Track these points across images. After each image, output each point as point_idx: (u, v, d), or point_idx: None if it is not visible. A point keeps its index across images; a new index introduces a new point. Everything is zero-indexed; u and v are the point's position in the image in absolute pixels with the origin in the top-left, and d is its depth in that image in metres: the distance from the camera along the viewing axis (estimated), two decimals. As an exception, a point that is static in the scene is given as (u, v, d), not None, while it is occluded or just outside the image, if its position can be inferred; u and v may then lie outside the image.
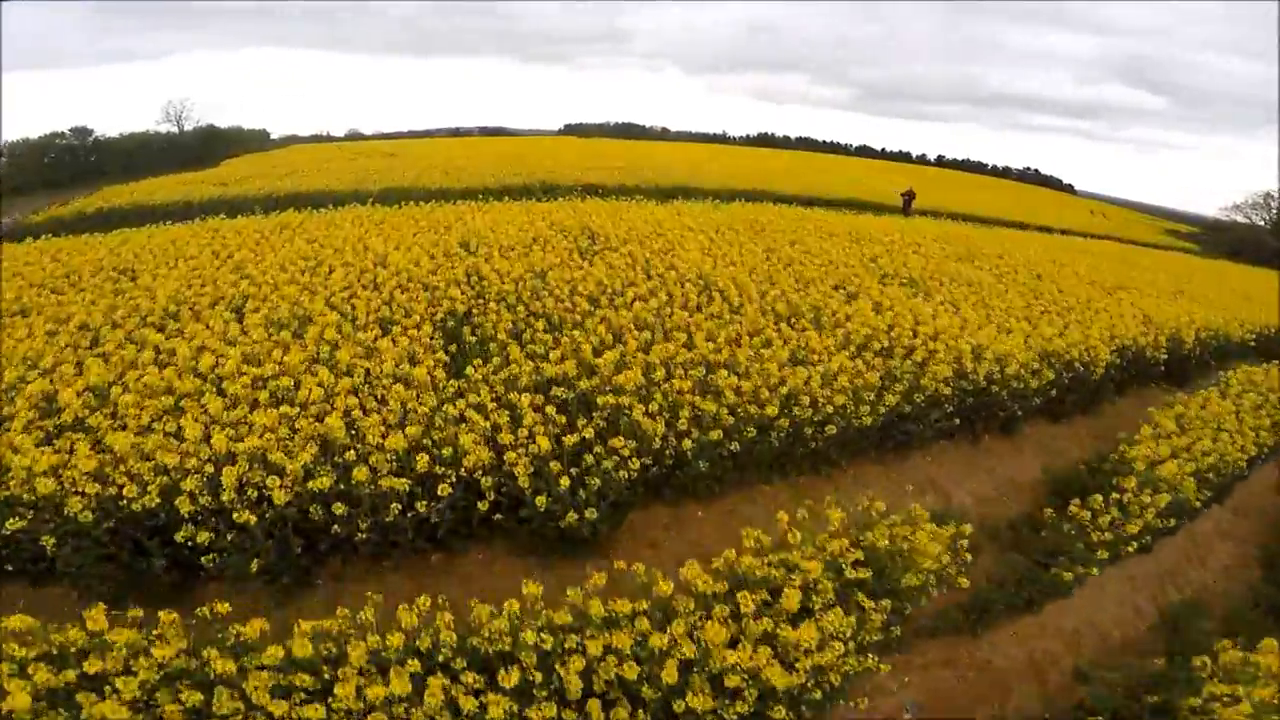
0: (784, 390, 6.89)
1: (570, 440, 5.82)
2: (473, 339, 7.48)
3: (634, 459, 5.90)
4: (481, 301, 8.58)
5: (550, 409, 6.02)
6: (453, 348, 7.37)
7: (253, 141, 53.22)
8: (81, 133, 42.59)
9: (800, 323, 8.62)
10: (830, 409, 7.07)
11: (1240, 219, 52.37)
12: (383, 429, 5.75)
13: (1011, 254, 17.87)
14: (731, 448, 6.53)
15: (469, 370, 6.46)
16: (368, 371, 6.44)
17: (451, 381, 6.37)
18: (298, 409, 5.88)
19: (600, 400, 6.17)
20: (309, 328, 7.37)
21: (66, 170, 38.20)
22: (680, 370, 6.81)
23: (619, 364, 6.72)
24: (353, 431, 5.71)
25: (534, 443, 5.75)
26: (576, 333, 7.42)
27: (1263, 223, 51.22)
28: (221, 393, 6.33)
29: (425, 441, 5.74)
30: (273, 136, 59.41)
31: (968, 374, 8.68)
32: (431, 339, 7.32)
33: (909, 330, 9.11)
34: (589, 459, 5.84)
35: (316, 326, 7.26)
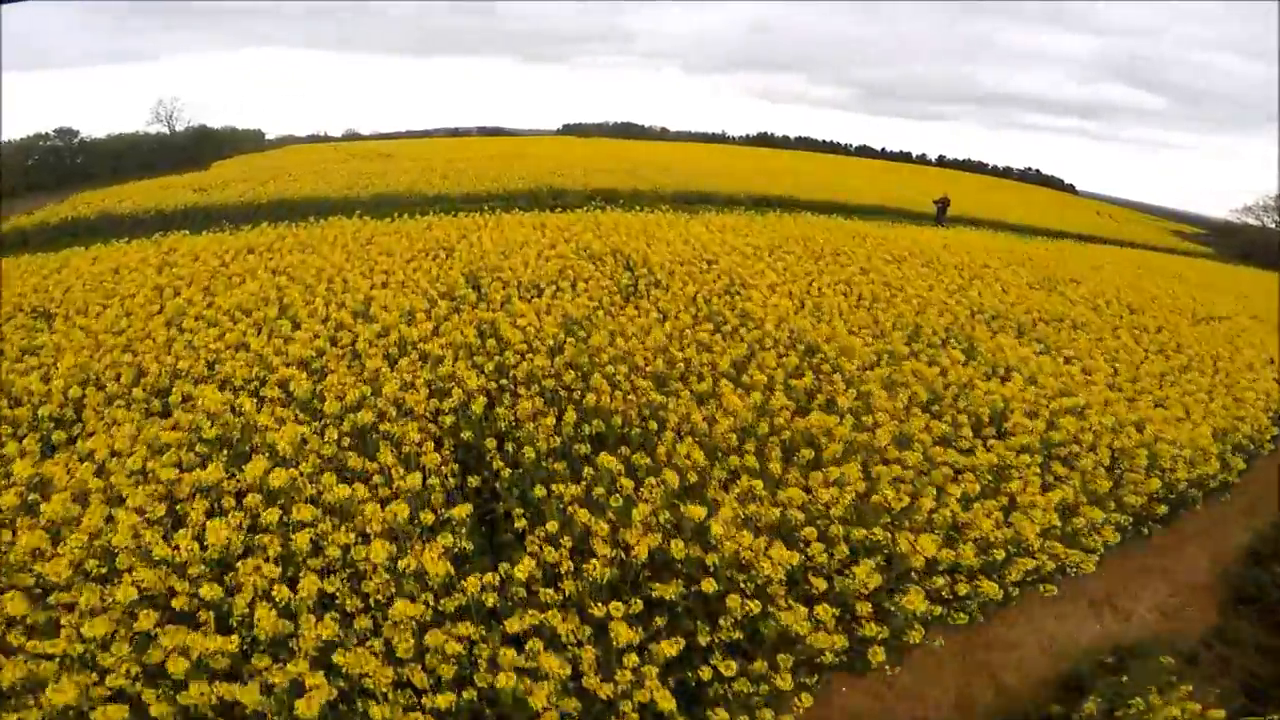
0: (998, 554, 4.34)
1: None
2: (506, 471, 4.82)
3: (803, 695, 3.39)
4: (508, 387, 5.95)
5: (664, 646, 3.41)
6: (474, 479, 4.75)
7: (247, 142, 49.85)
8: (66, 134, 39.47)
9: (948, 412, 6.04)
10: (1051, 565, 4.56)
11: (1251, 221, 50.09)
12: (386, 678, 3.18)
13: (1086, 277, 15.41)
14: (935, 644, 4.03)
15: (516, 571, 3.69)
16: (347, 552, 3.80)
17: (489, 576, 3.65)
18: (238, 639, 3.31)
19: (731, 602, 3.61)
20: (253, 441, 4.77)
21: (51, 173, 35.31)
22: (837, 526, 4.21)
23: (744, 518, 4.11)
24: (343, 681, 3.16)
25: (642, 687, 3.22)
26: (666, 471, 4.51)
27: (1274, 225, 48.99)
28: (103, 581, 3.77)
29: (463, 701, 3.19)
30: (270, 137, 56.33)
31: (1167, 477, 6.27)
32: (441, 470, 4.67)
33: (1072, 415, 6.60)
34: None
35: (263, 445, 4.63)
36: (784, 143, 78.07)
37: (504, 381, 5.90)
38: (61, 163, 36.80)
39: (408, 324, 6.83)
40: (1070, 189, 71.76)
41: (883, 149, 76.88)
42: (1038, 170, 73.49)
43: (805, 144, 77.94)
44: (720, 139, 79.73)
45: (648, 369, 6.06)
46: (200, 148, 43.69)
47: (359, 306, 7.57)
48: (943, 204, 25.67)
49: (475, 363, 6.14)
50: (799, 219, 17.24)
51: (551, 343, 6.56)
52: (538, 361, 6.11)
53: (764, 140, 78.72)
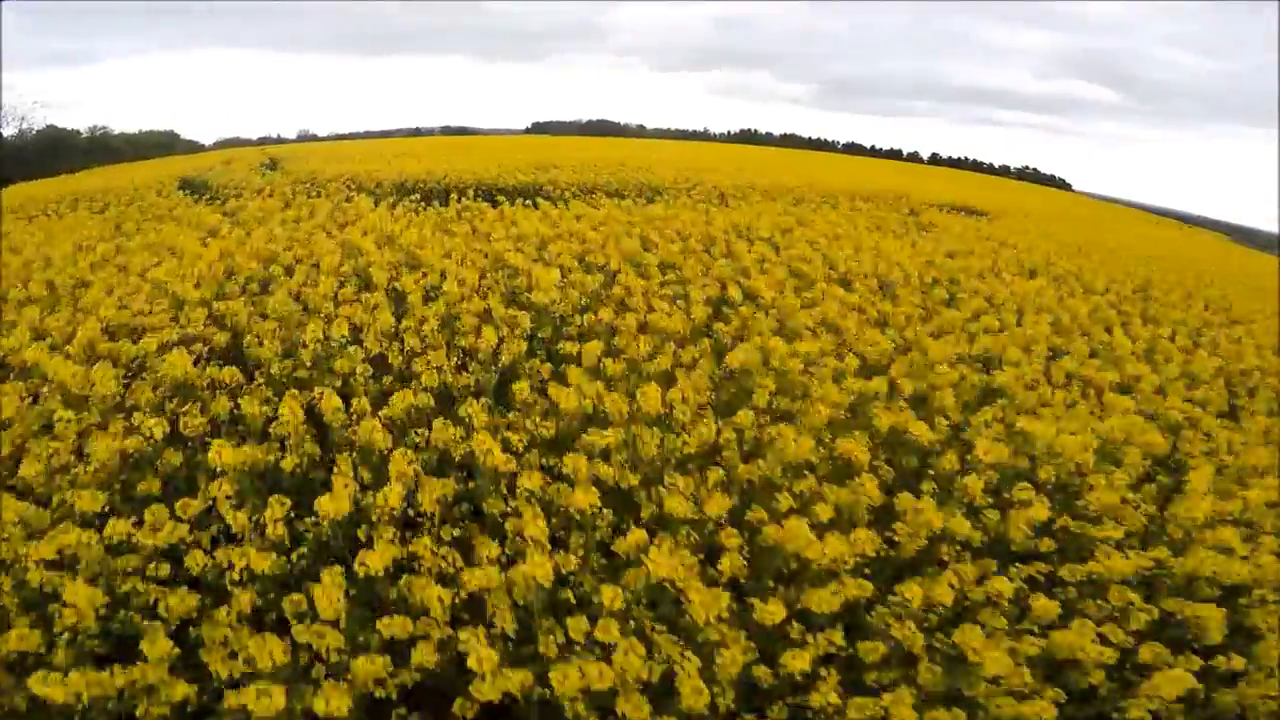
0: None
1: None
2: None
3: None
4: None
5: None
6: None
7: (129, 149, 33.14)
8: None
9: None
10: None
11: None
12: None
13: None
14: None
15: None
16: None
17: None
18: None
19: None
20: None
21: None
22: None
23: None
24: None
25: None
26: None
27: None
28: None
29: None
30: (210, 142, 40.70)
31: None
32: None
33: None
34: None
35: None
36: (767, 139, 64.56)
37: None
38: None
39: None
40: (1067, 186, 60.34)
41: (872, 146, 63.58)
42: (1035, 170, 61.59)
43: (791, 141, 64.30)
44: (702, 136, 65.81)
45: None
46: (45, 157, 27.62)
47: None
48: None
49: None
50: None
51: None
52: None
53: (748, 138, 64.92)
